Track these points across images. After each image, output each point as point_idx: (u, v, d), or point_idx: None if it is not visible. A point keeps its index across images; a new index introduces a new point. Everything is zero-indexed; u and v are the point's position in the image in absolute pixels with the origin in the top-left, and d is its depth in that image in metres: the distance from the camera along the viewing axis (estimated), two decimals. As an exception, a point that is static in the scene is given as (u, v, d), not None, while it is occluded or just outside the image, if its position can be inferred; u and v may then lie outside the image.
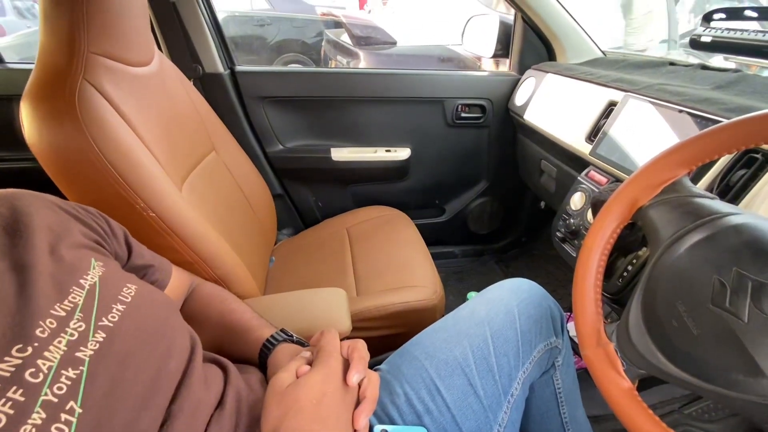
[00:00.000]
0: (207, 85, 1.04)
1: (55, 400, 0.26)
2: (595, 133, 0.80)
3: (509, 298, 0.59)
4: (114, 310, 0.34)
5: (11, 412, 0.24)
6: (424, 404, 0.51)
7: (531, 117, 1.05)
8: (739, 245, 0.36)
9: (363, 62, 1.87)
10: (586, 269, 0.48)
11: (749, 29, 0.73)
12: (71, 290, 0.32)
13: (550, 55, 1.16)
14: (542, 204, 1.33)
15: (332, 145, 1.21)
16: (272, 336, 0.48)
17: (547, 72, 1.05)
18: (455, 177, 1.37)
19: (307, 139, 1.22)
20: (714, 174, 0.57)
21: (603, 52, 1.13)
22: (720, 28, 0.75)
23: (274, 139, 1.19)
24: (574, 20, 1.09)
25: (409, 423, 0.50)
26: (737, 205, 0.54)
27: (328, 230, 1.15)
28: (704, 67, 0.84)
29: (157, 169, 0.61)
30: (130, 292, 0.36)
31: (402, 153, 1.25)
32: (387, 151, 1.24)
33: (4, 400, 0.24)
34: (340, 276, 0.96)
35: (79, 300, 0.31)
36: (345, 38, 2.19)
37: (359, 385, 0.39)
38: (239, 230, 0.88)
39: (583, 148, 0.81)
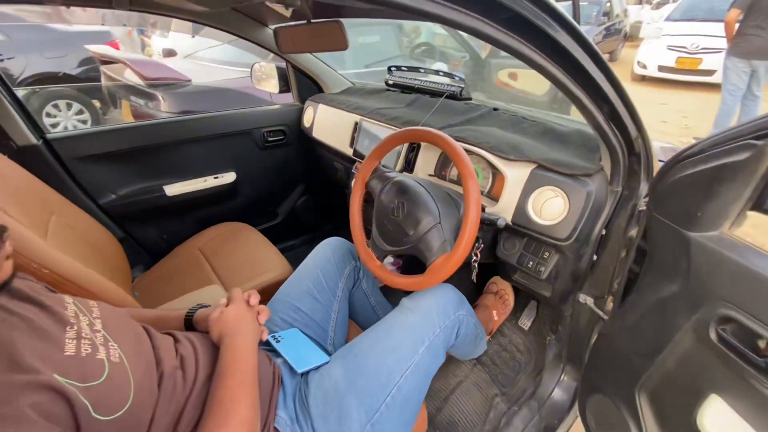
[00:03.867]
0: (26, 157, 1.09)
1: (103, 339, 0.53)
2: (351, 142, 1.32)
3: (325, 249, 1.02)
4: (95, 311, 0.59)
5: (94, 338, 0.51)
6: (292, 317, 0.89)
7: (317, 134, 1.52)
8: (399, 187, 0.88)
9: (163, 102, 1.98)
10: (354, 217, 0.96)
11: (422, 78, 1.35)
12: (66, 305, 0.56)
13: (319, 88, 1.65)
14: (346, 191, 1.84)
15: (165, 182, 1.40)
16: (189, 310, 0.77)
17: (319, 103, 1.53)
18: (278, 186, 1.74)
19: (138, 183, 1.37)
20: (400, 157, 1.14)
21: (352, 83, 1.68)
22: (400, 76, 1.36)
23: (104, 191, 1.30)
24: (326, 64, 1.60)
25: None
26: (411, 171, 1.12)
27: (182, 255, 1.35)
28: (402, 89, 1.45)
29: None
30: (94, 304, 0.61)
31: (228, 177, 1.54)
32: (215, 178, 1.51)
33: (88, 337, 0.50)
34: (208, 285, 1.22)
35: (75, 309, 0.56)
36: (129, 76, 2.21)
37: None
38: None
39: (348, 151, 1.32)
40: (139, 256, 1.44)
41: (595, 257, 0.90)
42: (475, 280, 0.98)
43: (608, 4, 7.55)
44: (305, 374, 0.74)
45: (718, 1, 5.63)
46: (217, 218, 1.51)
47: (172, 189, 1.42)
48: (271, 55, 2.14)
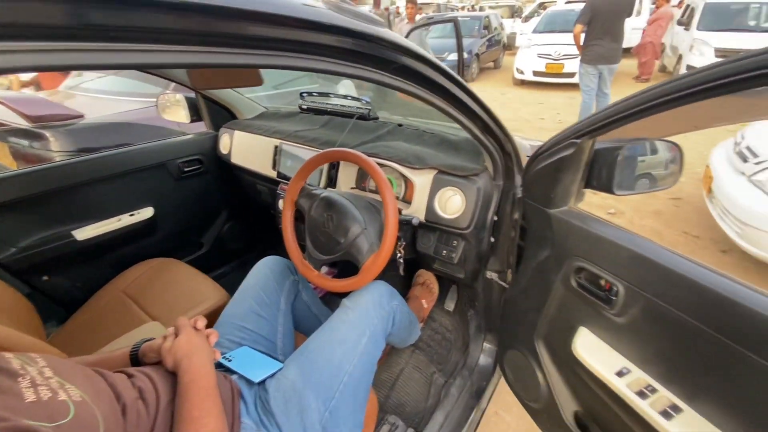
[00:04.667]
0: None
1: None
2: (274, 165, 1.39)
3: (263, 267, 1.08)
4: (40, 361, 0.60)
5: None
6: (240, 337, 0.94)
7: (237, 160, 1.55)
8: (327, 202, 0.99)
9: (53, 141, 1.80)
10: (288, 234, 1.04)
11: (333, 103, 1.47)
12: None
13: (233, 115, 1.68)
14: (272, 212, 1.88)
15: (74, 227, 1.32)
16: (132, 346, 0.79)
17: (234, 129, 1.57)
18: (200, 216, 1.72)
19: (42, 232, 1.27)
20: (323, 174, 1.25)
21: (265, 107, 1.75)
22: (312, 101, 1.47)
23: (2, 245, 1.19)
24: (237, 92, 1.65)
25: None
26: (335, 187, 1.24)
27: (103, 301, 1.28)
28: (316, 112, 1.56)
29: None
30: (36, 356, 0.61)
31: (145, 213, 1.49)
32: (131, 215, 1.45)
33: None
34: (143, 324, 1.19)
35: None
36: (8, 116, 1.97)
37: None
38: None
39: (272, 174, 1.39)
40: (51, 311, 1.33)
41: (492, 240, 1.10)
42: (402, 274, 1.12)
43: (486, 19, 8.55)
44: (262, 383, 0.80)
45: (570, 15, 6.78)
46: (138, 257, 1.45)
47: (83, 233, 1.34)
48: (173, 84, 2.10)
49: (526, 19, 11.27)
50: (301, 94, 1.48)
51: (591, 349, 0.80)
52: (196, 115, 1.64)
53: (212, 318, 1.13)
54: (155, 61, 0.35)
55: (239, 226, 1.87)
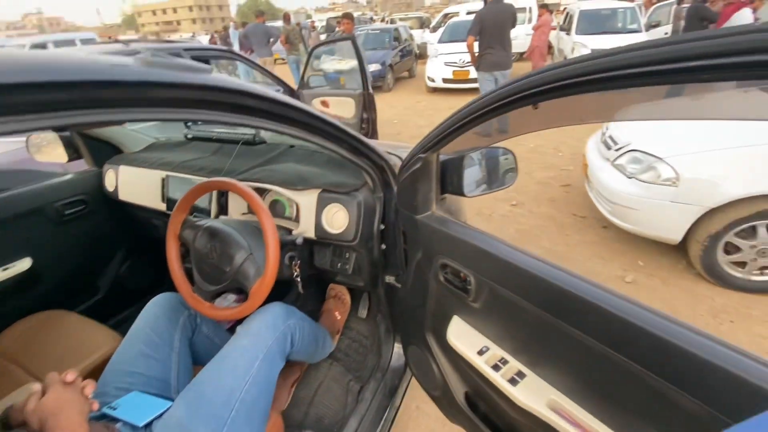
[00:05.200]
0: None
1: None
2: (163, 198, 1.35)
3: (153, 307, 1.05)
4: None
5: None
6: (129, 382, 0.90)
7: (125, 196, 1.48)
8: (210, 231, 0.99)
9: None
10: (174, 269, 1.03)
11: (217, 129, 1.47)
12: None
13: (118, 149, 1.60)
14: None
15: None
16: (1, 413, 0.73)
17: (119, 164, 1.49)
18: (91, 259, 1.60)
19: None
20: (213, 202, 1.25)
21: (156, 138, 1.68)
22: (197, 129, 1.46)
23: None
24: (120, 126, 1.57)
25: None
26: (227, 214, 1.24)
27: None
28: (203, 140, 1.54)
29: None
30: None
31: (22, 264, 1.36)
32: (4, 270, 1.31)
33: None
34: (21, 388, 1.08)
35: None
36: None
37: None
38: None
39: (162, 207, 1.35)
40: None
41: (384, 247, 1.18)
42: (301, 291, 1.16)
43: (396, 31, 8.95)
44: (148, 425, 0.79)
45: (457, 27, 7.41)
46: (17, 314, 1.32)
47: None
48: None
49: (434, 29, 11.98)
50: (185, 122, 1.46)
51: (459, 334, 0.90)
52: (75, 153, 1.53)
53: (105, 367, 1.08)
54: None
55: (140, 264, 1.77)
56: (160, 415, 0.80)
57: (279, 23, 10.66)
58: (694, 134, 2.11)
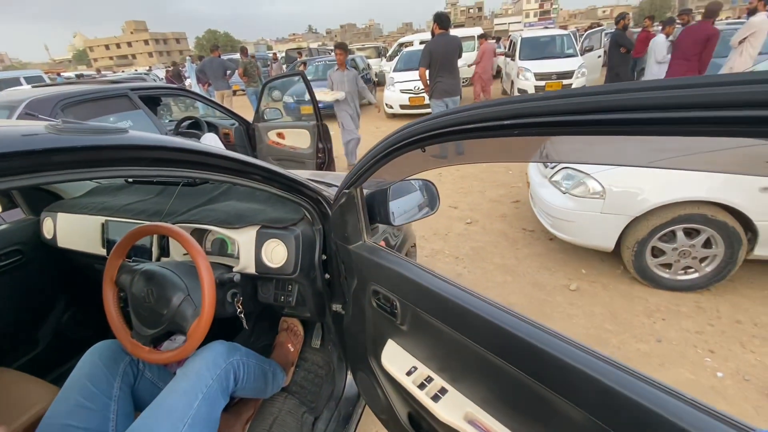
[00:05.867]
0: None
1: None
2: (103, 243, 1.35)
3: (91, 355, 1.04)
4: None
5: None
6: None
7: (64, 243, 1.45)
8: (146, 275, 1.00)
9: None
10: (111, 315, 1.03)
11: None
12: None
13: (57, 196, 1.57)
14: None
15: None
16: None
17: (57, 212, 1.47)
18: (29, 311, 1.54)
19: None
20: (154, 245, 1.26)
21: (98, 182, 1.67)
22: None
23: None
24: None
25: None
26: (168, 255, 1.25)
27: None
28: (143, 182, 1.55)
29: None
30: None
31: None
32: (-74, 330, 1.25)
33: None
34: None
35: None
36: None
37: None
38: None
39: (102, 252, 1.34)
40: None
41: (328, 276, 1.23)
42: (246, 327, 1.18)
43: (353, 61, 9.26)
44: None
45: (412, 56, 7.80)
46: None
47: None
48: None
49: (390, 58, 12.49)
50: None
51: (392, 357, 0.95)
52: (9, 202, 1.49)
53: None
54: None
55: (83, 312, 1.71)
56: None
57: (237, 56, 10.76)
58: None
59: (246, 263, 1.15)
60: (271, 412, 1.40)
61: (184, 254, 1.25)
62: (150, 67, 27.52)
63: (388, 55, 13.25)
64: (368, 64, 10.87)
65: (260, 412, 1.40)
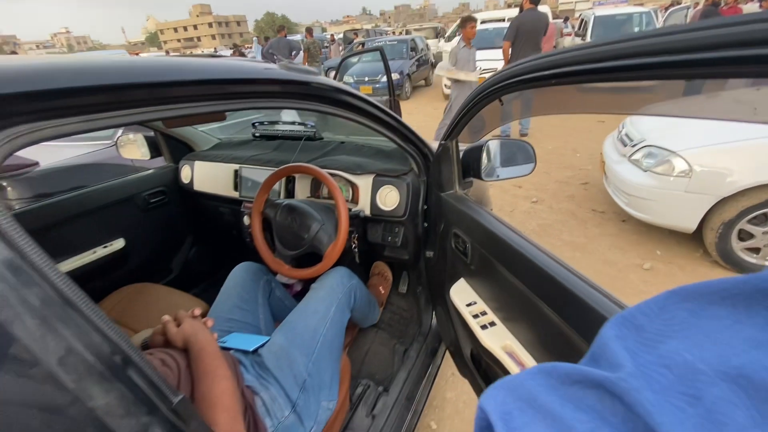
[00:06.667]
0: None
1: None
2: (236, 186, 1.59)
3: (239, 271, 1.27)
4: None
5: None
6: (228, 326, 1.12)
7: (199, 187, 1.73)
8: (289, 207, 1.22)
9: (10, 190, 1.84)
10: (258, 240, 1.25)
11: (282, 129, 1.70)
12: None
13: (190, 148, 1.85)
14: (234, 232, 2.05)
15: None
16: (142, 341, 0.95)
17: (194, 160, 1.74)
18: (167, 243, 1.85)
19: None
20: (282, 188, 1.48)
21: (219, 139, 1.94)
22: (264, 129, 1.70)
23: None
24: (192, 127, 1.83)
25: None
26: (294, 197, 1.47)
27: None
28: (268, 138, 1.79)
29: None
30: None
31: (117, 244, 1.61)
32: (104, 247, 1.57)
33: None
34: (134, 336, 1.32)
35: None
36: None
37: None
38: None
39: (234, 195, 1.59)
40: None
41: (426, 225, 1.39)
42: (358, 261, 1.37)
43: (412, 41, 9.24)
44: (255, 351, 1.00)
45: (486, 34, 7.60)
46: (112, 286, 1.56)
47: (61, 267, 1.44)
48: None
49: (449, 38, 12.25)
50: (253, 124, 1.70)
51: (459, 291, 1.06)
52: (155, 151, 1.79)
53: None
54: (178, 114, 0.58)
55: (204, 249, 2.01)
56: (263, 345, 1.01)
57: (298, 37, 11.12)
58: (703, 129, 2.25)
59: (362, 205, 1.33)
60: (364, 342, 1.61)
61: (308, 197, 1.46)
62: (215, 48, 28.99)
63: (446, 35, 12.99)
64: (427, 45, 10.77)
65: (355, 342, 1.61)
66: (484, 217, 0.97)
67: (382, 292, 1.71)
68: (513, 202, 3.35)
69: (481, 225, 0.95)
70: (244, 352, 0.99)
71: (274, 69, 0.72)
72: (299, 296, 1.46)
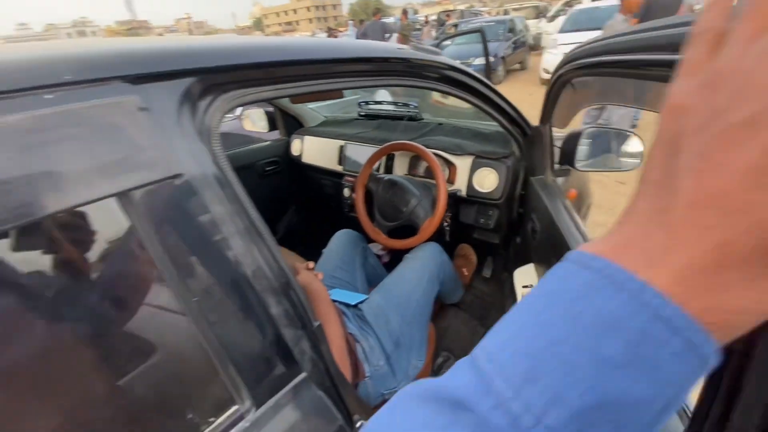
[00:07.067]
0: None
1: None
2: (340, 160, 1.74)
3: (341, 236, 1.42)
4: None
5: None
6: (332, 282, 1.27)
7: (307, 159, 1.92)
8: (391, 182, 1.31)
9: None
10: (360, 209, 1.38)
11: (386, 108, 1.81)
12: None
13: (300, 124, 2.06)
14: (332, 204, 2.24)
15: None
16: None
17: (304, 135, 1.93)
18: (276, 209, 2.10)
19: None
20: (381, 165, 1.58)
21: (325, 116, 2.11)
22: (368, 109, 1.81)
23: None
24: (304, 105, 2.02)
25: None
26: (392, 173, 1.57)
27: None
28: (369, 117, 1.90)
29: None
30: None
31: (238, 204, 1.88)
32: (229, 206, 1.84)
33: None
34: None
35: None
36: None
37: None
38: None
39: (338, 168, 1.74)
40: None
41: (521, 210, 1.38)
42: (447, 239, 1.42)
43: (511, 22, 8.74)
44: (356, 306, 1.13)
45: (596, 13, 6.89)
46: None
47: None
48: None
49: (552, 18, 11.31)
50: (359, 103, 1.82)
51: (524, 274, 1.08)
52: (272, 125, 2.02)
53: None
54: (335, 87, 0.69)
55: (304, 216, 2.24)
56: (362, 301, 1.14)
57: (392, 19, 11.19)
58: None
59: (459, 185, 1.38)
60: (445, 319, 1.67)
61: (405, 174, 1.55)
62: (313, 32, 30.51)
63: (549, 15, 12.01)
64: (526, 26, 10.09)
65: (437, 315, 1.69)
66: (555, 207, 0.97)
67: (466, 273, 1.75)
68: (614, 200, 3.09)
69: (549, 214, 0.96)
70: (347, 305, 1.12)
71: (406, 49, 0.79)
72: (387, 267, 1.58)
